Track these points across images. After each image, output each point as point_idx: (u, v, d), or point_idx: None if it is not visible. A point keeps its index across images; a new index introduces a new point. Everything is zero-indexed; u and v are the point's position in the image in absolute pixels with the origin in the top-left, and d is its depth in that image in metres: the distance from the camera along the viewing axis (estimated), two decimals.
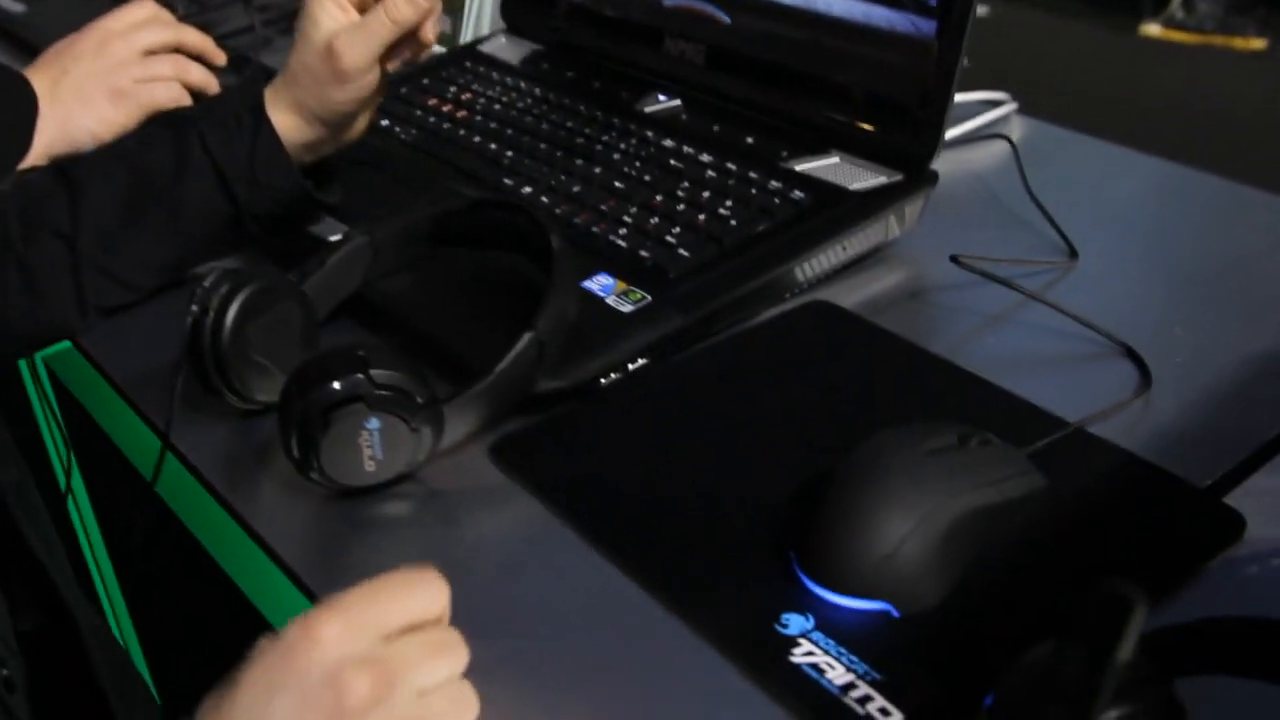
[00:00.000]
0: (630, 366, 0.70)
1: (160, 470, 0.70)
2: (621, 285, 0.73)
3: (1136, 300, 0.77)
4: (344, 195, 0.86)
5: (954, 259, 0.74)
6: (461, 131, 0.95)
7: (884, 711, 0.49)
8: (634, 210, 0.80)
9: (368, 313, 0.77)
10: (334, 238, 0.78)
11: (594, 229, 0.79)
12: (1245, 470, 0.61)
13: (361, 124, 0.82)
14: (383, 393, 0.61)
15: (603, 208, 0.81)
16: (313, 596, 0.60)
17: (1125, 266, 0.81)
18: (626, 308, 0.71)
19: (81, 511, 1.05)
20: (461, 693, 0.50)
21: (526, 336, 0.65)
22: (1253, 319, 0.74)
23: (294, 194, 0.79)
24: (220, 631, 0.78)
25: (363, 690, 0.46)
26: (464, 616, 0.52)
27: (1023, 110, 1.02)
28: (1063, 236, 0.82)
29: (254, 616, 0.68)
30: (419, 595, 0.51)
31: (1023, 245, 0.83)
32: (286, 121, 0.78)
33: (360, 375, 0.60)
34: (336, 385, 0.60)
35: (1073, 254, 0.81)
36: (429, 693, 0.49)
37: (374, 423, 0.61)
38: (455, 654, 0.50)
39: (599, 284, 0.73)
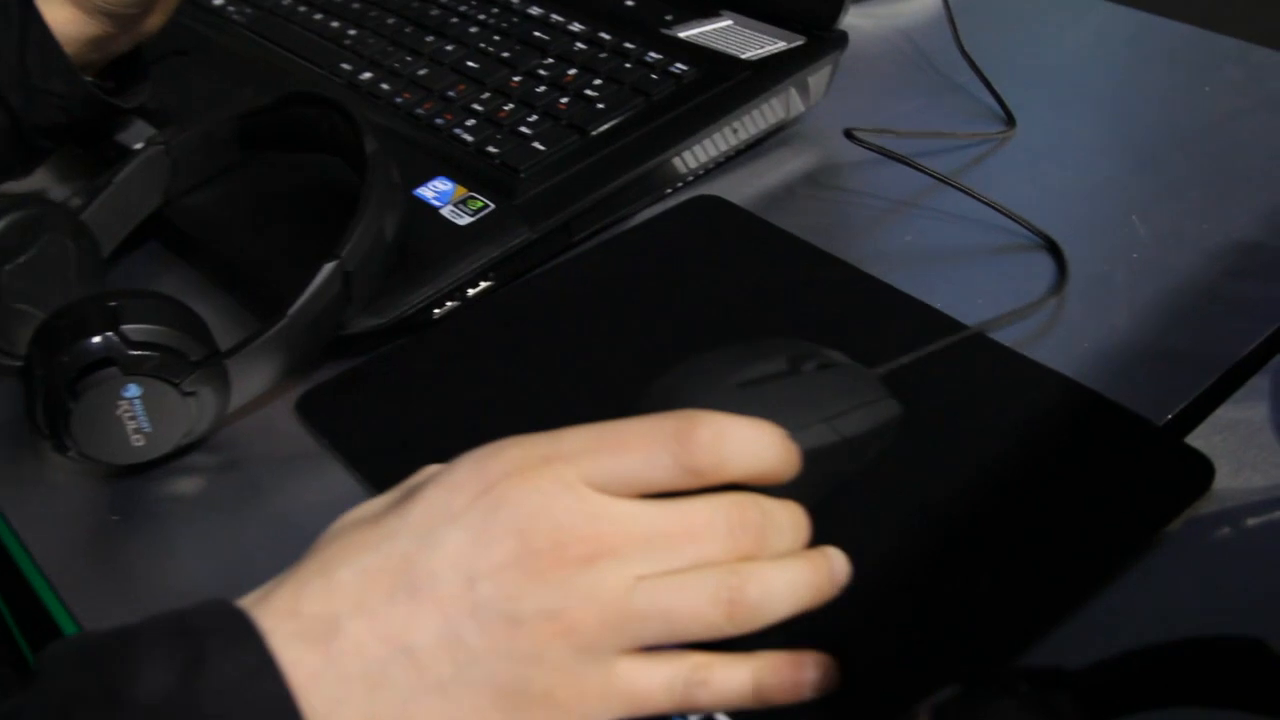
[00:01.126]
0: (470, 292, 0.58)
1: None
2: (461, 191, 0.60)
3: (1082, 179, 0.64)
4: (159, 95, 0.72)
5: (849, 134, 0.61)
6: (301, 8, 0.81)
7: None
8: (486, 96, 0.67)
9: (173, 236, 0.65)
10: (137, 145, 0.65)
11: (438, 120, 0.66)
12: (1210, 400, 0.49)
13: (158, 16, 0.68)
14: (140, 353, 0.49)
15: (451, 94, 0.68)
16: (69, 609, 0.48)
17: (1072, 137, 0.67)
18: (463, 219, 0.59)
19: None
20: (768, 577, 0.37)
21: (327, 268, 0.52)
22: (1223, 200, 0.61)
23: (80, 99, 0.66)
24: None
25: (568, 552, 0.35)
26: None
27: None
28: (1000, 103, 0.69)
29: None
30: (734, 449, 0.37)
31: (954, 115, 0.69)
32: (62, 15, 0.64)
33: (111, 334, 0.48)
34: (82, 346, 0.48)
35: (1010, 123, 0.68)
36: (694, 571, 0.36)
37: (132, 390, 0.49)
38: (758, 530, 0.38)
39: (435, 190, 0.61)
